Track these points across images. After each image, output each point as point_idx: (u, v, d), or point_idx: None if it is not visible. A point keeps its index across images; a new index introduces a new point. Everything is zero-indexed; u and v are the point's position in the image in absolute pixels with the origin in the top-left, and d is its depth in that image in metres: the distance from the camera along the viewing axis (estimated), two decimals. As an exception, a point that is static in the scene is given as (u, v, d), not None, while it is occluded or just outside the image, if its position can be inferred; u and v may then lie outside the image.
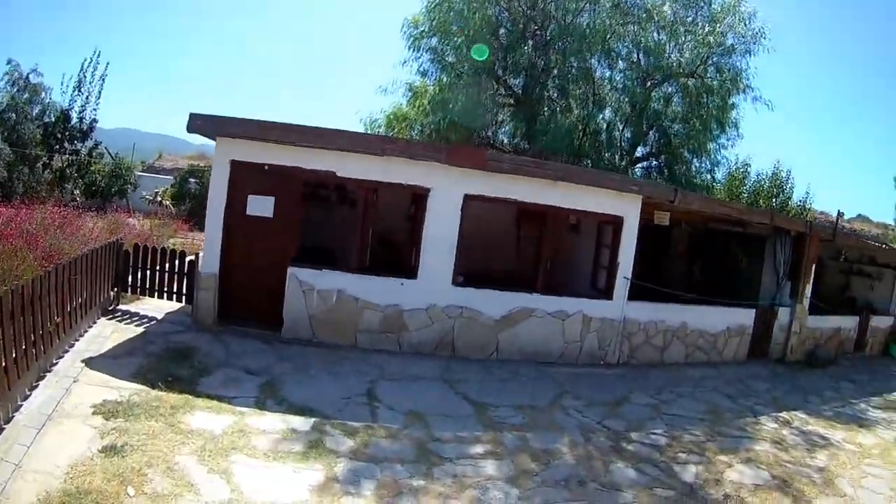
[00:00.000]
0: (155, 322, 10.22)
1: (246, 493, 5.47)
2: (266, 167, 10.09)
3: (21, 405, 6.30)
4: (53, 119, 22.39)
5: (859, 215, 43.11)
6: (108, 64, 22.41)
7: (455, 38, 21.06)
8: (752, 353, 13.65)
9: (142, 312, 10.61)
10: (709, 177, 22.01)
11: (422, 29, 21.46)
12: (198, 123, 9.94)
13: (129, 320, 10.13)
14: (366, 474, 6.14)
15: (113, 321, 9.91)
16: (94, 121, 22.28)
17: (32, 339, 6.68)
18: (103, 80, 22.19)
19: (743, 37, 20.38)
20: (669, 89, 21.22)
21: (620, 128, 21.39)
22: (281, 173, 10.12)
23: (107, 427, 6.13)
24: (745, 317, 13.40)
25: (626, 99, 20.79)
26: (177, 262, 11.07)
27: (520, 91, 21.76)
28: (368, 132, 21.05)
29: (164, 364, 8.22)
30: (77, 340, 8.57)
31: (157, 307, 10.96)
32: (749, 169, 24.90)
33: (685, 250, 15.78)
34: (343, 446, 6.67)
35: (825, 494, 7.21)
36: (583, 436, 7.89)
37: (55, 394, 6.72)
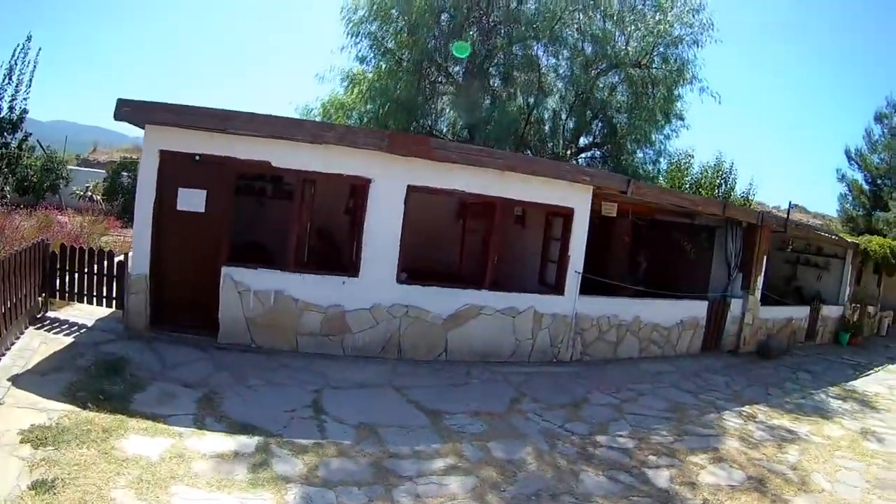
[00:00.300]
0: (85, 330, 9.36)
1: (190, 532, 4.67)
2: (197, 157, 9.20)
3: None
4: (-21, 113, 20.59)
5: (795, 205, 43.49)
6: (39, 50, 20.68)
7: (396, 23, 20.36)
8: (706, 346, 13.37)
9: (72, 319, 9.71)
10: (652, 167, 21.84)
11: (361, 13, 20.52)
12: (125, 111, 9.03)
13: (58, 329, 9.26)
14: (320, 502, 5.49)
15: (41, 331, 9.05)
16: (25, 111, 20.45)
17: None
18: (34, 66, 20.41)
19: (690, 27, 20.04)
20: (615, 79, 20.78)
21: (564, 117, 20.90)
22: (213, 164, 9.25)
23: (36, 457, 5.43)
24: (698, 309, 13.05)
25: (571, 87, 20.26)
26: (105, 263, 10.13)
27: (461, 79, 21.08)
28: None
29: (95, 380, 7.39)
30: (3, 355, 7.75)
31: (88, 313, 10.09)
32: (692, 160, 24.53)
33: (630, 242, 15.12)
34: (292, 469, 5.99)
35: (803, 492, 6.94)
36: (547, 442, 7.39)
37: None
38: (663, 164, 22.08)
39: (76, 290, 10.09)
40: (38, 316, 9.49)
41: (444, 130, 23.22)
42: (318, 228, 11.00)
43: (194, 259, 9.49)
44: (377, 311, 9.76)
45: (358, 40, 20.84)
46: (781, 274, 18.33)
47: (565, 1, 19.27)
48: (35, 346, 8.30)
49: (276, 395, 7.81)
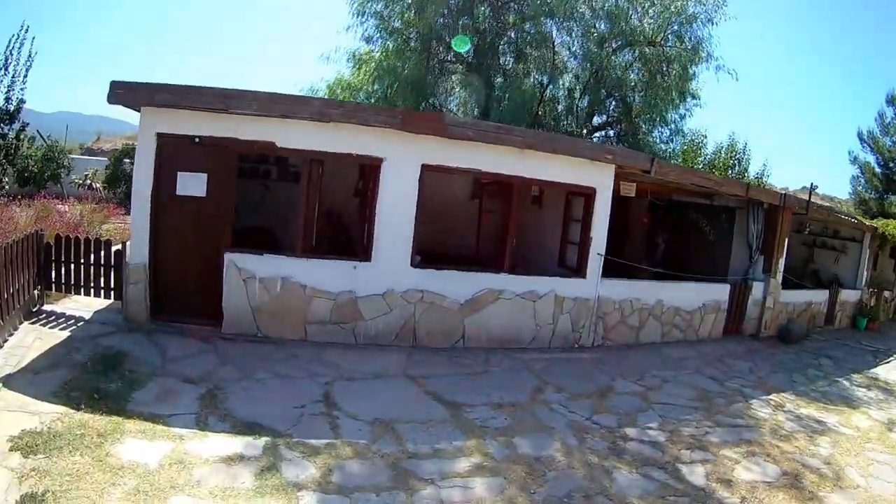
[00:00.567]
0: (83, 323, 8.78)
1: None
2: (197, 139, 8.64)
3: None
4: (-25, 103, 19.98)
5: (804, 188, 42.65)
6: (34, 39, 20.06)
7: (402, 2, 19.70)
8: (727, 330, 12.77)
9: (69, 312, 9.14)
10: (667, 146, 21.01)
11: (367, -8, 19.60)
12: (120, 93, 8.52)
13: (54, 323, 8.69)
14: (336, 513, 4.87)
15: (36, 325, 8.49)
16: (22, 101, 19.85)
17: None
18: (31, 57, 19.80)
19: (704, 5, 19.23)
20: (629, 57, 19.90)
21: (578, 95, 20.10)
22: (214, 146, 8.70)
23: (25, 467, 4.99)
24: (720, 292, 12.43)
25: (586, 65, 19.44)
26: (102, 252, 9.52)
27: (471, 57, 20.25)
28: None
29: (91, 377, 6.90)
30: None
31: (86, 305, 9.50)
32: (706, 140, 23.64)
33: (649, 223, 14.38)
34: (303, 474, 5.44)
35: (839, 488, 6.53)
36: (575, 436, 6.86)
37: None
38: (677, 144, 21.23)
39: (73, 282, 9.51)
40: (34, 310, 8.96)
41: (455, 110, 21.89)
42: (327, 211, 10.39)
43: (196, 246, 8.95)
44: (391, 297, 9.17)
45: (364, 20, 20.18)
46: (798, 256, 17.69)
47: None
48: (29, 342, 7.77)
49: (285, 389, 7.27)
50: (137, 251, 8.81)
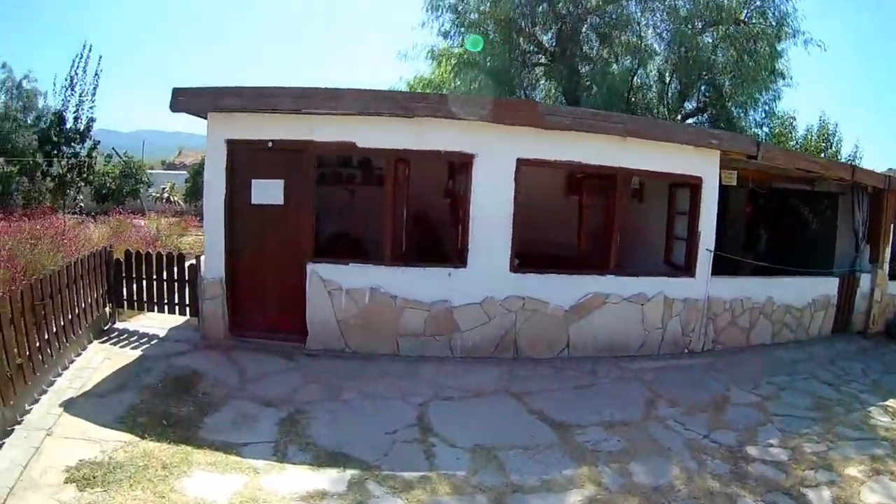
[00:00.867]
0: (156, 341, 8.31)
1: None
2: (270, 144, 8.05)
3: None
4: (48, 124, 19.93)
5: (890, 169, 39.99)
6: (100, 58, 20.19)
7: (477, -7, 18.61)
8: (836, 328, 11.37)
9: (142, 330, 8.66)
10: (759, 130, 19.39)
11: (440, -14, 18.81)
12: (182, 100, 7.98)
13: (125, 342, 8.22)
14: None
15: (106, 344, 8.05)
16: (92, 119, 20.26)
17: None
18: (97, 75, 20.01)
19: (785, -24, 17.60)
20: (714, 37, 18.47)
21: (667, 80, 18.60)
22: (289, 150, 8.08)
23: (80, 503, 4.48)
24: (828, 286, 11.12)
25: (674, 47, 18.08)
26: (176, 267, 8.97)
27: (553, 46, 19.09)
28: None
29: (161, 400, 6.37)
30: (59, 375, 6.76)
31: (161, 322, 8.98)
32: (795, 122, 21.85)
33: (752, 213, 13.08)
34: None
35: None
36: (694, 459, 5.92)
37: (21, 456, 5.05)
38: (768, 128, 19.73)
39: (146, 299, 9.01)
40: (105, 328, 8.58)
41: (542, 102, 20.96)
42: (415, 215, 9.52)
43: (275, 257, 8.31)
44: (489, 305, 8.23)
45: (439, 14, 19.31)
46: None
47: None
48: (97, 362, 7.31)
49: (375, 412, 6.53)
50: (213, 265, 8.29)
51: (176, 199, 23.81)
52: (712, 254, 9.13)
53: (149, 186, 25.53)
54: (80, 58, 19.54)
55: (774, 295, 10.02)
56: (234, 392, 6.71)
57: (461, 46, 19.27)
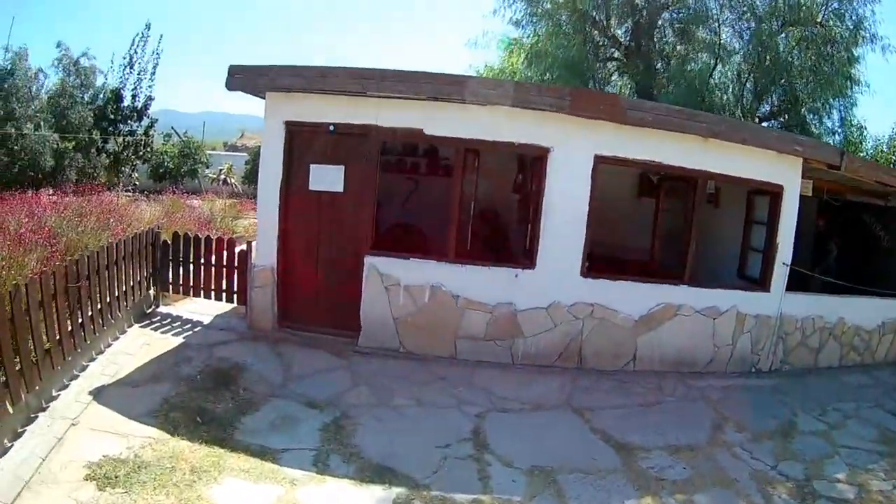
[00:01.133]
0: (200, 328, 7.79)
1: None
2: (331, 127, 7.43)
3: (-6, 465, 4.37)
4: (104, 101, 19.51)
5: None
6: (160, 37, 19.70)
7: (550, -18, 17.86)
8: None
9: (186, 316, 8.16)
10: (831, 139, 17.82)
11: (512, -28, 18.08)
12: (239, 78, 7.46)
13: (167, 327, 7.73)
14: None
15: (147, 329, 7.54)
16: (150, 98, 19.85)
17: (16, 369, 4.79)
18: (157, 54, 19.49)
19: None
20: (791, 39, 17.14)
21: (744, 81, 17.39)
22: (352, 134, 7.45)
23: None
24: (898, 309, 9.88)
25: (752, 46, 16.90)
26: (225, 252, 8.35)
27: (628, 40, 18.18)
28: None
29: (198, 394, 5.91)
30: (93, 360, 6.32)
31: (207, 308, 8.44)
32: (865, 131, 20.18)
33: (825, 226, 11.97)
34: None
35: None
36: (760, 492, 5.32)
37: (42, 446, 4.68)
38: (841, 136, 18.29)
39: (192, 284, 8.43)
40: (148, 311, 8.15)
41: (618, 97, 19.91)
42: (481, 209, 8.71)
43: (331, 247, 7.74)
44: (556, 311, 7.51)
45: (511, 2, 18.41)
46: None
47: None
48: (135, 348, 6.88)
49: (427, 422, 5.97)
50: (264, 252, 7.75)
51: (233, 181, 23.41)
52: (788, 268, 8.25)
53: (207, 167, 25.21)
54: (141, 37, 19.06)
55: (846, 315, 9.15)
56: (277, 390, 6.22)
57: (533, 36, 18.41)
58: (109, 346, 6.71)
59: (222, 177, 23.35)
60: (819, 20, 16.11)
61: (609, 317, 7.57)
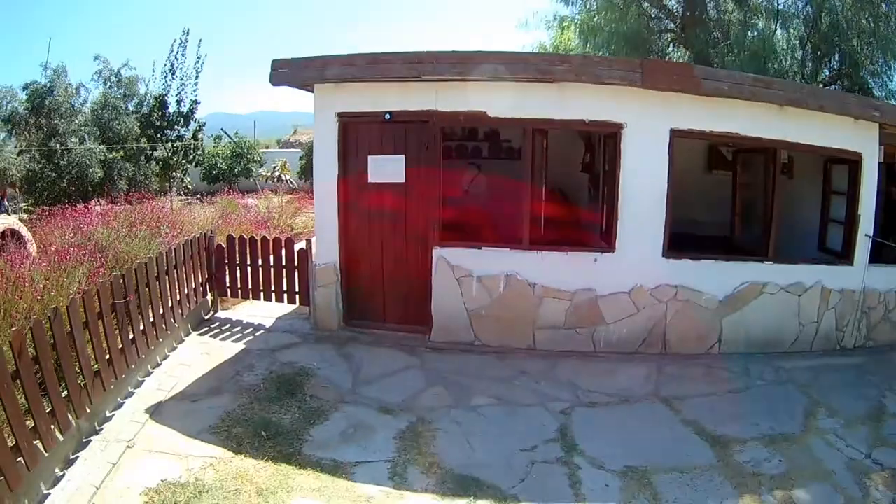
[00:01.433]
0: (261, 333, 7.31)
1: None
2: (388, 115, 6.89)
3: (48, 494, 3.99)
4: (149, 109, 19.22)
5: None
6: (200, 41, 19.44)
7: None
8: None
9: (246, 320, 7.70)
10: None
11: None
12: (283, 72, 6.91)
13: (226, 333, 7.28)
14: None
15: (205, 336, 7.13)
16: (196, 102, 19.81)
17: (63, 393, 4.42)
18: (200, 58, 19.41)
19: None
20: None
21: (802, 47, 16.27)
22: (410, 122, 6.92)
23: None
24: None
25: (811, 9, 15.70)
26: (284, 251, 7.80)
27: (683, 11, 17.14)
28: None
29: (262, 405, 5.44)
30: (149, 374, 5.90)
31: (267, 311, 7.98)
32: None
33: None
34: None
35: None
36: (858, 484, 4.73)
37: (96, 473, 4.29)
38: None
39: (251, 286, 7.91)
40: (206, 317, 7.75)
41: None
42: (552, 192, 8.07)
43: (396, 240, 7.24)
44: (638, 295, 6.90)
45: None
46: None
47: None
48: (193, 358, 6.46)
49: (510, 422, 5.43)
50: (325, 250, 7.28)
51: (288, 177, 22.78)
52: (871, 239, 7.51)
53: (261, 165, 24.85)
54: (180, 43, 18.73)
55: (927, 286, 8.30)
56: (347, 395, 5.75)
57: (585, 12, 17.47)
58: (166, 357, 6.34)
59: (276, 174, 22.72)
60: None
61: (693, 298, 6.94)
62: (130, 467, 4.39)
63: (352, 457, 4.68)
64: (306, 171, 23.71)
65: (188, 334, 7.01)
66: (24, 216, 14.30)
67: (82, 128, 18.44)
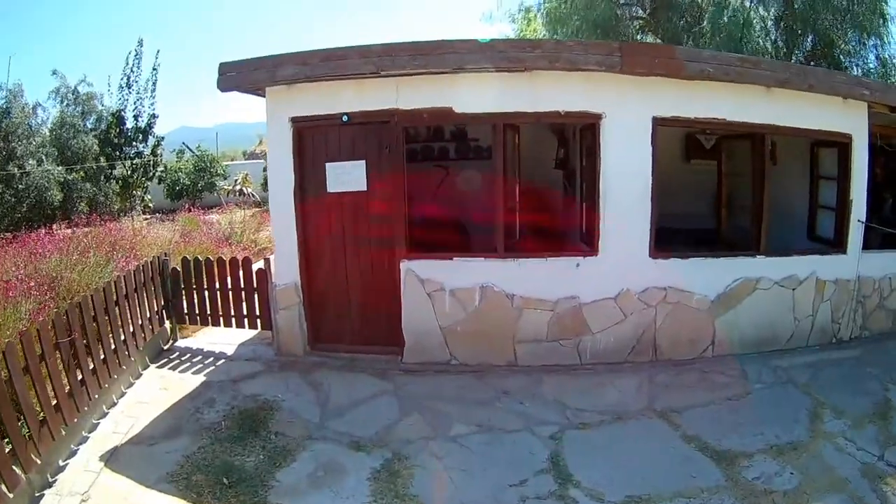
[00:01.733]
0: (223, 361, 6.54)
1: None
2: (345, 117, 6.09)
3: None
4: (106, 125, 18.10)
5: None
6: (157, 52, 18.37)
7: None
8: None
9: (206, 348, 6.93)
10: (875, 79, 15.80)
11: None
12: (232, 76, 6.14)
13: (186, 364, 6.52)
14: None
15: (164, 369, 6.38)
16: (154, 116, 18.54)
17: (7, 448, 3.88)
18: (155, 70, 18.12)
19: None
20: None
21: (775, 30, 15.52)
22: (370, 123, 6.14)
23: None
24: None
25: None
26: (241, 272, 6.94)
27: None
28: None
29: (223, 446, 4.76)
30: (105, 415, 5.25)
31: (229, 337, 7.16)
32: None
33: (882, 175, 10.33)
34: None
35: None
36: (875, 491, 4.23)
37: None
38: (876, 77, 16.31)
39: (209, 312, 7.13)
40: (166, 348, 6.98)
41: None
42: (525, 193, 7.11)
43: (361, 255, 6.46)
44: (625, 300, 6.20)
45: None
46: None
47: None
48: (151, 394, 5.77)
49: (496, 453, 4.74)
50: (285, 269, 6.50)
51: (250, 189, 21.33)
52: (864, 225, 6.95)
53: (224, 179, 23.45)
54: (135, 55, 17.55)
55: (921, 270, 7.84)
56: (315, 430, 5.06)
57: (551, 1, 16.44)
58: (123, 395, 5.65)
59: (238, 187, 21.37)
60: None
61: (684, 300, 6.27)
62: (81, 526, 3.94)
63: (322, 502, 4.04)
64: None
65: (146, 367, 6.34)
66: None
67: (40, 149, 17.17)
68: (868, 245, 7.53)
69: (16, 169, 15.75)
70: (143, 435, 4.99)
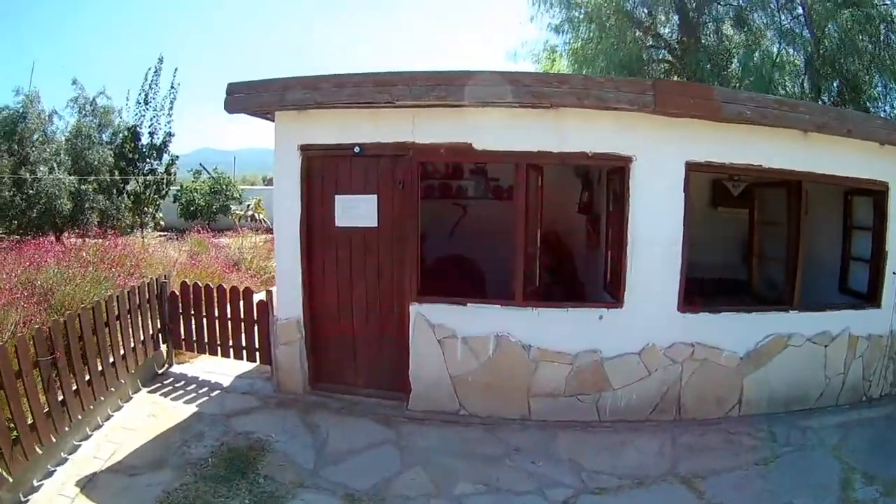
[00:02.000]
0: (218, 392, 6.12)
1: None
2: (357, 148, 5.64)
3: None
4: (121, 140, 17.75)
5: None
6: (175, 70, 17.95)
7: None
8: None
9: (202, 377, 6.51)
10: None
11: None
12: (240, 98, 5.70)
13: (180, 391, 6.15)
14: None
15: (156, 394, 6.02)
16: (170, 134, 17.90)
17: None
18: (174, 88, 17.65)
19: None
20: (845, 22, 13.77)
21: (805, 69, 15.04)
22: (384, 156, 5.68)
23: None
24: None
25: (812, 30, 14.16)
26: (241, 303, 6.48)
27: (677, 38, 16.01)
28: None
29: (207, 485, 4.33)
30: (87, 437, 4.96)
31: (227, 368, 6.70)
32: None
33: None
34: None
35: None
36: None
37: None
38: None
39: (206, 340, 6.72)
40: (160, 372, 6.66)
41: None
42: (547, 238, 6.63)
43: (368, 294, 5.96)
44: (650, 355, 5.61)
45: (549, 7, 16.12)
46: None
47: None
48: (139, 420, 5.44)
49: None
50: (288, 303, 6.04)
51: (262, 216, 21.04)
52: (898, 278, 6.41)
53: (239, 203, 23.26)
54: (154, 71, 17.14)
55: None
56: (308, 477, 4.57)
57: (575, 40, 16.11)
58: (110, 417, 5.37)
59: (250, 213, 21.25)
60: (874, 1, 13.87)
61: (712, 357, 5.70)
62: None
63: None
64: None
65: (137, 391, 6.00)
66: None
67: (54, 157, 16.77)
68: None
69: (27, 174, 15.50)
70: (125, 463, 4.67)
